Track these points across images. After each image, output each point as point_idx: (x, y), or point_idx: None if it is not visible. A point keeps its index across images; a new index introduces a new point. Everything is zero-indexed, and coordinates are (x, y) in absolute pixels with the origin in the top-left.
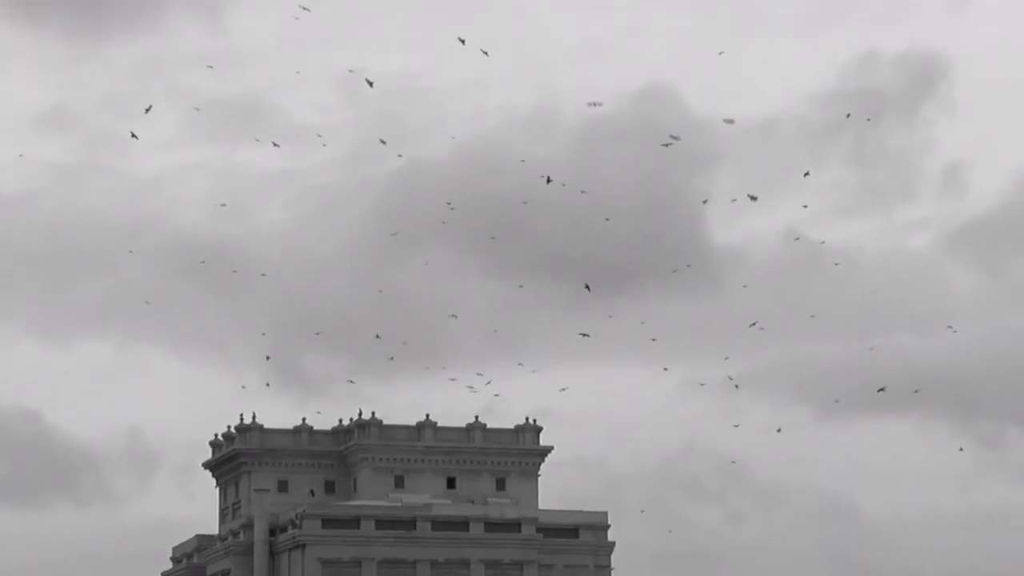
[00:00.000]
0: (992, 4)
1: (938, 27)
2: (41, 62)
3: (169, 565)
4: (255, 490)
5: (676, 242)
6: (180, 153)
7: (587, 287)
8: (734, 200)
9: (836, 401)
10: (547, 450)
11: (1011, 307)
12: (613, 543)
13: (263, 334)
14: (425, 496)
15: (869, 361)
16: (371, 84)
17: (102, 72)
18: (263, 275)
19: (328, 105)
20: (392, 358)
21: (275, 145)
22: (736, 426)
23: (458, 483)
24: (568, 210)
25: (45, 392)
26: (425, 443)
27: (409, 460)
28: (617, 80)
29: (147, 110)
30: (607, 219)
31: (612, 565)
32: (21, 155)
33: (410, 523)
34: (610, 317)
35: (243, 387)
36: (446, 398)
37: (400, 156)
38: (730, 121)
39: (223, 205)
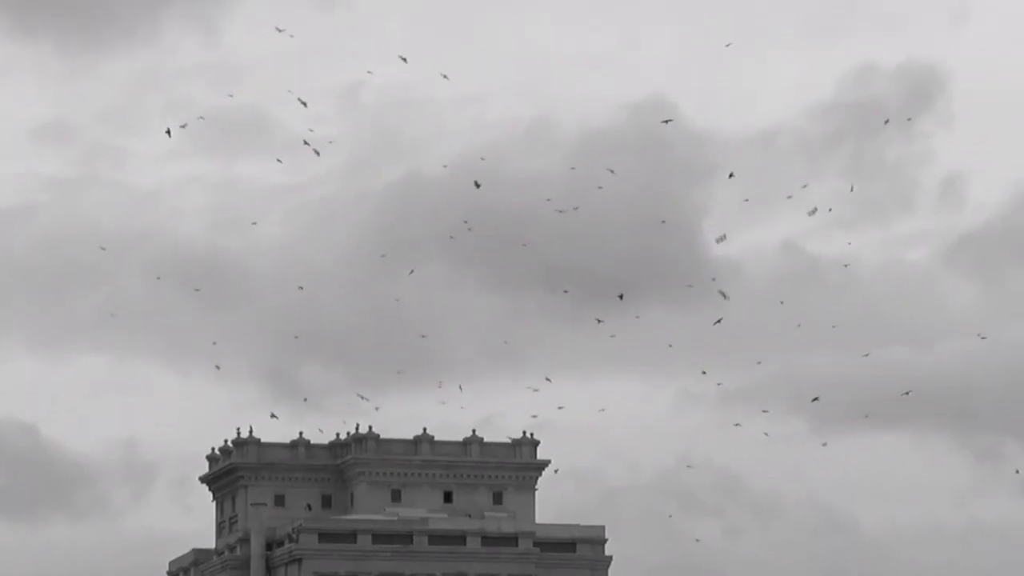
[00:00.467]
0: (990, 17)
1: (936, 40)
2: (39, 76)
3: None
4: (252, 504)
5: (673, 255)
6: (178, 166)
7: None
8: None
9: (834, 413)
10: (544, 464)
11: (1010, 319)
12: (610, 557)
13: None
14: (422, 510)
15: (866, 373)
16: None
17: (100, 86)
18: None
19: (325, 116)
20: (400, 371)
21: (279, 161)
22: (737, 425)
23: (455, 497)
24: (565, 224)
25: (42, 405)
26: (422, 457)
27: (406, 474)
28: (616, 93)
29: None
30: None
31: None
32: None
33: (407, 537)
34: (602, 325)
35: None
36: (443, 412)
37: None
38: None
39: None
